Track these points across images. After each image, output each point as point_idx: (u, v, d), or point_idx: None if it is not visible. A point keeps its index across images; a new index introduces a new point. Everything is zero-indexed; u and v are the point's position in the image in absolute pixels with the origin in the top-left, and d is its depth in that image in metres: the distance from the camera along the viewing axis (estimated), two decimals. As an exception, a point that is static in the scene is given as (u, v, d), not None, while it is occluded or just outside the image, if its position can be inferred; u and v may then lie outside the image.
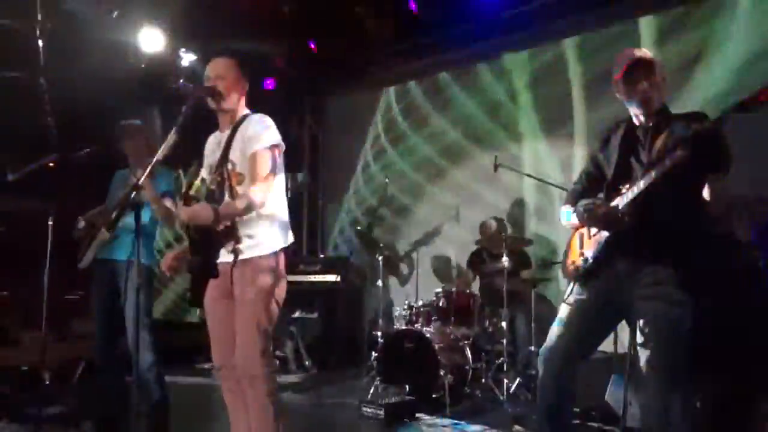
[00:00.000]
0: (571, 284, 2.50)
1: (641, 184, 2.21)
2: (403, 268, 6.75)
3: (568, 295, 2.47)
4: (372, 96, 7.50)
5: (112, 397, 3.43)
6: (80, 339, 4.99)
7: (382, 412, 4.02)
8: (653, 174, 2.18)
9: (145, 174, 2.41)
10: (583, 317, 2.39)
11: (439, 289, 5.06)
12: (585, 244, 2.48)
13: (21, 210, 4.58)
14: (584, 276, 2.43)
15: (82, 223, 3.57)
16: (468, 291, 5.12)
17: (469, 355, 4.54)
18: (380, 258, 5.48)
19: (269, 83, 7.38)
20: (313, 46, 6.76)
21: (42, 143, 4.50)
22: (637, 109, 2.38)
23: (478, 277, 5.60)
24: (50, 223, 3.50)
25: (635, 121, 2.43)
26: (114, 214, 3.17)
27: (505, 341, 4.67)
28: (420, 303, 5.07)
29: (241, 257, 2.50)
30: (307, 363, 6.07)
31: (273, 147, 2.57)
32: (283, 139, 2.65)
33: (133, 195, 2.38)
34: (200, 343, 6.33)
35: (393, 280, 6.92)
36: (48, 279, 3.44)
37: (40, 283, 3.49)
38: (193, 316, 7.15)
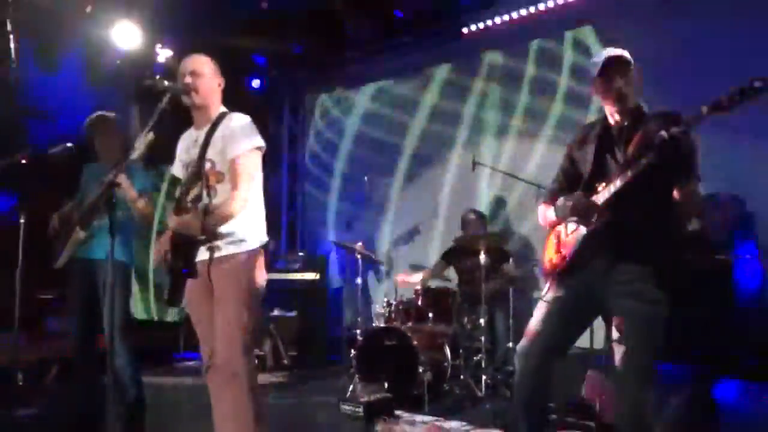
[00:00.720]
0: (548, 282, 2.53)
1: (618, 183, 2.25)
2: (382, 265, 6.74)
3: (546, 293, 2.50)
4: (351, 94, 7.49)
5: (86, 397, 3.38)
6: (54, 339, 4.91)
7: (361, 410, 4.01)
8: (629, 174, 2.22)
9: (122, 173, 2.37)
10: (559, 315, 2.42)
11: (418, 287, 5.07)
12: (562, 243, 2.51)
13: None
14: (561, 274, 2.46)
15: (56, 221, 3.51)
16: (446, 287, 5.14)
17: (448, 352, 4.56)
18: (359, 256, 5.47)
19: (254, 83, 7.32)
20: (294, 44, 6.72)
21: (13, 139, 4.42)
22: (612, 107, 2.43)
23: (456, 275, 5.61)
24: (21, 221, 3.44)
25: (610, 120, 2.47)
26: (88, 214, 3.14)
27: (483, 338, 4.69)
28: (399, 300, 5.08)
29: (218, 254, 2.49)
30: (285, 361, 6.04)
31: (255, 149, 2.57)
32: (263, 138, 2.64)
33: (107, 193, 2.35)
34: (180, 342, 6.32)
35: (372, 278, 6.92)
36: (20, 278, 3.38)
37: (12, 282, 3.42)
38: (173, 315, 7.08)
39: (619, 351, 2.26)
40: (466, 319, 5.03)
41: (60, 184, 3.67)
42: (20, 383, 3.78)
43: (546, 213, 2.61)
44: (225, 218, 2.45)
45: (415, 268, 5.98)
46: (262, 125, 2.66)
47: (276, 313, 6.20)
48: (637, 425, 2.23)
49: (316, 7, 6.30)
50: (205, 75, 2.64)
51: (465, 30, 6.22)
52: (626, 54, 2.42)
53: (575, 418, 3.70)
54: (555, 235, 2.57)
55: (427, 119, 6.75)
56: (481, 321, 4.76)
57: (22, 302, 3.40)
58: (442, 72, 6.69)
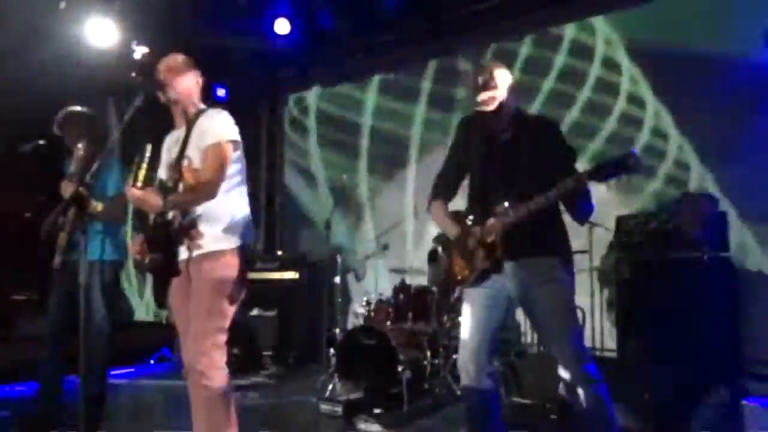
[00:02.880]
0: (461, 289, 2.67)
1: (532, 206, 2.34)
2: (361, 264, 6.74)
3: (464, 298, 2.63)
4: (329, 93, 7.47)
5: (51, 396, 3.35)
6: (27, 340, 4.83)
7: (340, 409, 4.02)
8: (543, 200, 2.31)
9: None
10: (484, 319, 2.53)
11: (397, 285, 5.08)
12: (464, 255, 2.57)
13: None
14: (475, 281, 2.54)
15: (47, 223, 3.45)
16: (425, 286, 5.15)
17: (428, 351, 4.57)
18: (338, 255, 5.46)
19: (222, 90, 7.26)
20: (278, 37, 6.67)
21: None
22: (490, 120, 2.51)
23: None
24: (-7, 220, 3.37)
25: (494, 128, 2.54)
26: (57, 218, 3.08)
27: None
28: (378, 299, 5.08)
29: (199, 252, 2.47)
30: (264, 361, 6.01)
31: (228, 142, 2.53)
32: (241, 137, 2.62)
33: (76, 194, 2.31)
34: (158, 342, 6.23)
35: (351, 277, 6.91)
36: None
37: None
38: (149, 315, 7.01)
39: (547, 334, 2.47)
40: (445, 318, 5.04)
41: (36, 183, 3.61)
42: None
43: (437, 219, 2.73)
44: (186, 199, 2.42)
45: (395, 269, 5.98)
46: (239, 124, 2.64)
47: (255, 312, 6.16)
48: (596, 403, 2.32)
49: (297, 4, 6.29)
50: (182, 72, 2.61)
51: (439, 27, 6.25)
52: (499, 66, 2.52)
53: (554, 416, 3.75)
54: (454, 239, 2.65)
55: (407, 117, 6.77)
56: (460, 319, 4.76)
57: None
58: (420, 70, 6.73)
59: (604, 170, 2.18)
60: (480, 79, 2.46)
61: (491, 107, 2.46)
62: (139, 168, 2.37)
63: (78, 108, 3.49)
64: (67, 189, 3.22)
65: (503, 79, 2.50)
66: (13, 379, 3.46)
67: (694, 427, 3.24)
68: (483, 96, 2.44)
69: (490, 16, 5.98)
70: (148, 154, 2.39)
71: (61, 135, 3.46)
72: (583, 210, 2.41)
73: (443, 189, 2.75)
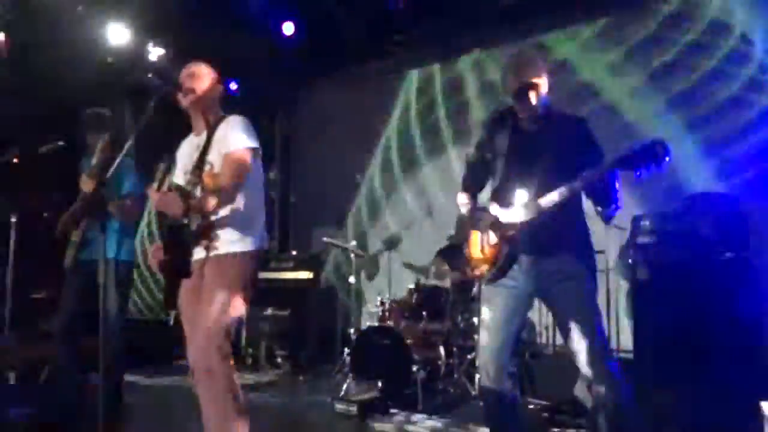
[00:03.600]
0: (481, 286, 2.65)
1: (556, 197, 2.35)
2: (375, 264, 6.75)
3: (482, 297, 2.61)
4: (343, 94, 7.49)
5: (71, 396, 3.39)
6: (46, 339, 4.88)
7: (354, 409, 4.02)
8: (568, 190, 2.32)
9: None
10: (505, 319, 2.51)
11: (412, 285, 5.08)
12: (485, 249, 2.57)
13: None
14: (494, 276, 2.53)
15: (63, 222, 3.50)
16: (440, 286, 5.14)
17: (442, 351, 4.57)
18: (353, 255, 5.47)
19: (235, 84, 7.30)
20: (288, 37, 6.70)
21: (4, 138, 4.38)
22: (525, 112, 2.50)
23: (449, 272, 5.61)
24: (13, 220, 3.42)
25: (522, 123, 2.55)
26: (77, 215, 3.13)
27: (477, 336, 4.69)
28: (392, 299, 5.08)
29: (214, 253, 2.51)
30: (279, 360, 6.03)
31: (248, 150, 2.57)
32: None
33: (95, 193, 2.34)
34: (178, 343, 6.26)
35: (365, 276, 6.92)
36: (12, 277, 3.36)
37: (4, 282, 3.41)
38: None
39: (574, 330, 2.37)
40: (459, 318, 5.03)
41: (53, 183, 3.66)
42: (12, 383, 3.76)
43: (463, 209, 2.73)
44: (205, 206, 2.44)
45: (409, 266, 5.98)
46: (253, 123, 2.67)
47: (269, 311, 6.18)
48: (616, 396, 2.30)
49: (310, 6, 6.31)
50: (203, 78, 2.66)
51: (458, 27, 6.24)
52: (539, 65, 2.50)
53: (569, 417, 3.73)
54: (477, 231, 2.64)
55: (421, 118, 6.77)
56: (475, 319, 4.77)
57: (14, 302, 3.39)
58: (435, 71, 6.71)
59: (632, 158, 2.16)
60: (529, 72, 2.44)
61: (535, 102, 2.45)
62: (163, 173, 2.41)
63: (98, 109, 3.55)
64: (86, 183, 3.26)
65: (544, 71, 2.51)
66: (34, 376, 3.52)
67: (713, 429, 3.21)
68: (536, 105, 2.45)
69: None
70: (168, 162, 2.42)
71: (84, 135, 3.51)
72: (611, 200, 2.37)
73: (468, 183, 2.76)
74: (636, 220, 4.31)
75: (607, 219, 2.49)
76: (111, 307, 3.36)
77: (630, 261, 4.22)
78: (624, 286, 4.84)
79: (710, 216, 3.94)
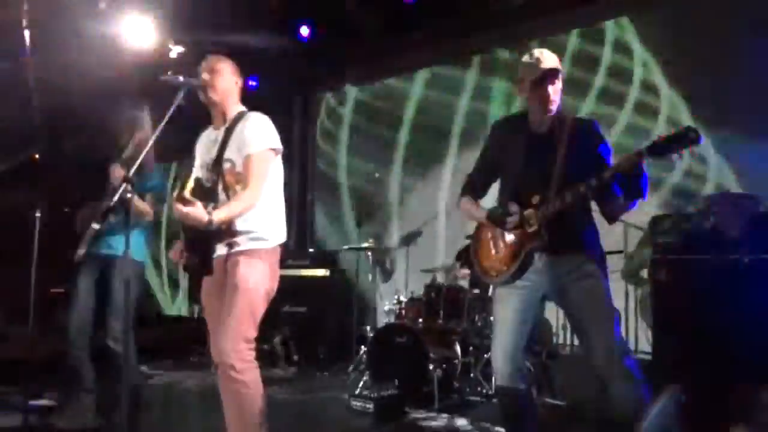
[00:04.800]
0: (495, 287, 2.65)
1: (568, 198, 2.34)
2: (392, 262, 6.74)
3: (495, 298, 2.61)
4: (361, 91, 7.49)
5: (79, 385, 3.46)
6: (66, 332, 4.95)
7: (371, 406, 4.02)
8: (582, 190, 2.31)
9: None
10: (519, 320, 2.51)
11: (429, 283, 5.07)
12: (498, 249, 2.57)
13: (7, 203, 4.53)
14: (512, 279, 2.51)
15: (82, 216, 3.55)
16: (457, 285, 5.13)
17: (458, 349, 4.56)
18: (369, 253, 5.48)
19: (254, 81, 7.34)
20: (304, 38, 6.73)
21: (28, 136, 4.45)
22: (540, 114, 2.50)
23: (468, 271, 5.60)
24: (37, 215, 3.47)
25: (535, 126, 2.53)
26: (102, 211, 3.17)
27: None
28: (409, 297, 5.08)
29: (236, 249, 2.54)
30: (295, 357, 6.06)
31: (270, 150, 2.59)
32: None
33: (121, 189, 2.36)
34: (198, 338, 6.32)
35: (382, 274, 6.92)
36: (35, 272, 3.41)
37: (27, 276, 3.46)
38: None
39: (593, 327, 2.37)
40: (476, 317, 5.02)
41: (76, 180, 3.71)
42: (34, 375, 3.82)
43: (472, 212, 2.72)
44: (233, 212, 2.46)
45: (424, 265, 5.97)
46: (272, 119, 2.68)
47: (286, 309, 6.22)
48: (637, 395, 2.29)
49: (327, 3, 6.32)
50: (223, 73, 2.66)
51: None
52: (557, 61, 2.48)
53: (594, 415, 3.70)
54: (488, 233, 2.64)
55: (438, 115, 6.75)
56: (492, 318, 4.75)
57: (36, 297, 3.44)
58: (452, 68, 6.69)
59: (664, 143, 2.15)
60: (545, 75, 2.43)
61: (553, 96, 2.45)
62: (187, 178, 2.44)
63: (129, 106, 3.59)
64: (116, 171, 3.29)
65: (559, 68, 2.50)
66: (54, 369, 3.57)
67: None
68: (554, 98, 2.45)
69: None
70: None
71: (114, 132, 3.56)
72: (643, 190, 2.33)
73: (474, 187, 2.76)
74: (656, 220, 4.27)
75: (616, 214, 2.48)
76: (130, 304, 3.40)
77: (649, 261, 4.18)
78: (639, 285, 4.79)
79: (733, 216, 3.89)
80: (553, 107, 2.48)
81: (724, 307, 3.67)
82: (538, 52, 2.49)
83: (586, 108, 5.58)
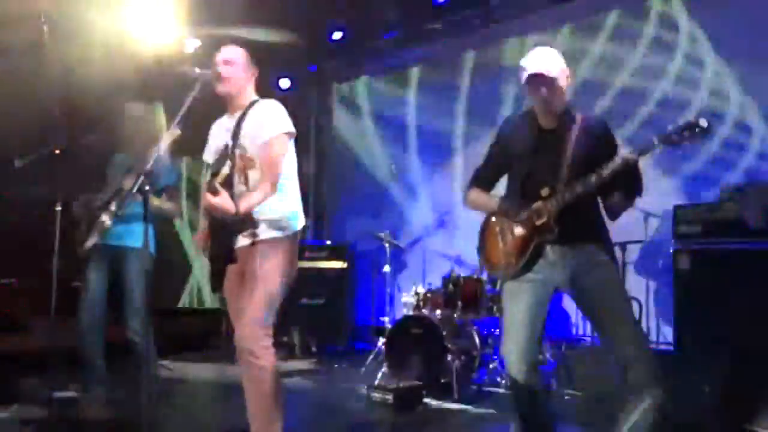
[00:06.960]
0: (503, 281, 2.61)
1: (578, 189, 2.34)
2: (410, 253, 6.73)
3: (504, 293, 2.59)
4: (377, 82, 7.47)
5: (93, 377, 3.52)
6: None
7: (390, 397, 4.03)
8: (593, 181, 2.31)
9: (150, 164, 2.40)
10: (530, 314, 2.48)
11: (447, 275, 5.05)
12: (507, 242, 2.56)
13: (29, 197, 4.58)
14: (521, 272, 2.50)
15: (78, 207, 3.56)
16: (475, 276, 5.11)
17: (477, 340, 4.54)
18: (387, 244, 5.47)
19: (284, 81, 7.37)
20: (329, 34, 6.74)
21: (48, 130, 4.49)
22: (543, 112, 2.51)
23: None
24: (58, 209, 3.51)
25: (542, 121, 2.53)
26: (117, 203, 3.19)
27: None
28: (427, 289, 5.07)
29: (255, 239, 2.57)
30: (313, 349, 6.09)
31: (284, 134, 2.60)
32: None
33: (139, 182, 2.37)
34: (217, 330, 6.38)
35: (400, 266, 6.92)
36: (57, 265, 3.45)
37: (49, 269, 3.50)
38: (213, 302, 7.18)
39: (609, 317, 2.37)
40: (495, 308, 5.00)
41: (96, 174, 3.75)
42: (57, 367, 3.87)
43: (482, 201, 2.70)
44: (254, 202, 2.49)
45: (443, 257, 5.95)
46: (288, 112, 2.68)
47: (303, 301, 6.24)
48: (656, 379, 2.27)
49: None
50: (238, 64, 2.67)
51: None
52: (554, 59, 2.45)
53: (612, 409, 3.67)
54: (496, 226, 2.63)
55: (457, 106, 6.71)
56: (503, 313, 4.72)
57: (58, 289, 3.48)
58: (471, 59, 6.66)
59: (676, 132, 2.17)
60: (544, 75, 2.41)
61: (558, 107, 2.47)
62: (219, 168, 2.46)
63: (141, 104, 3.61)
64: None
65: (562, 69, 2.48)
66: (76, 361, 3.62)
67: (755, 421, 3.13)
68: (549, 99, 2.45)
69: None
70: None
71: (121, 126, 3.58)
72: (640, 186, 2.38)
73: (481, 181, 2.74)
74: (677, 209, 4.21)
75: (621, 210, 2.49)
76: (148, 296, 3.43)
77: (671, 251, 4.13)
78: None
79: (755, 205, 3.83)
80: (553, 106, 2.47)
81: (748, 296, 3.62)
82: (529, 55, 2.48)
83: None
